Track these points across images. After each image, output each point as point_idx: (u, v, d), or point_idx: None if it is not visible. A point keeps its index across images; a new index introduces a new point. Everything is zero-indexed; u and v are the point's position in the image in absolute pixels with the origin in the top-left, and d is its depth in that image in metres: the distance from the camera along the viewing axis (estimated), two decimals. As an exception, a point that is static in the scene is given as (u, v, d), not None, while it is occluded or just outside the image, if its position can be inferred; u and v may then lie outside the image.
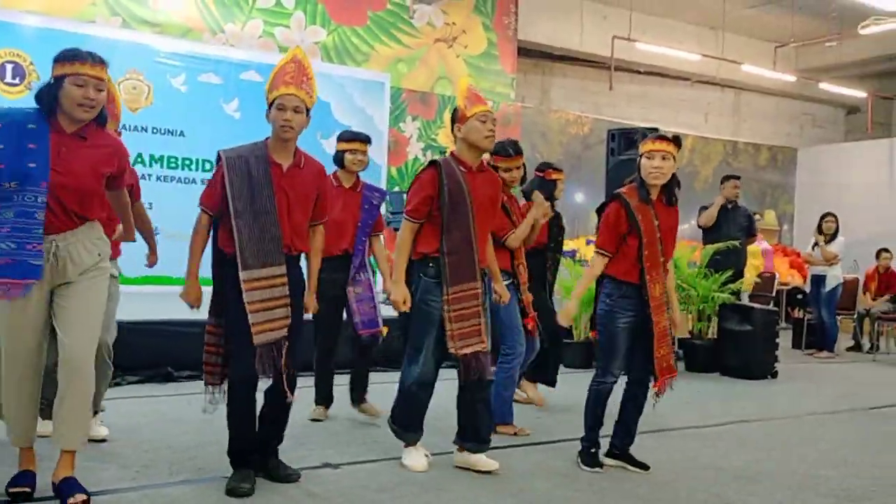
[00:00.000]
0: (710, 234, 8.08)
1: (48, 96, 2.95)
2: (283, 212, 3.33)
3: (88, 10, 8.71)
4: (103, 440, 3.96)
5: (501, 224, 4.36)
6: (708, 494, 3.59)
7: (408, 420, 3.81)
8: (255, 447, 3.42)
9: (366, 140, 4.67)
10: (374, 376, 4.95)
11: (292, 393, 3.40)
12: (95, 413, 4.02)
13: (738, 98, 15.53)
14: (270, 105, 3.33)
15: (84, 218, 3.05)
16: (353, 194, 4.65)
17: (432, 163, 3.77)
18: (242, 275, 3.22)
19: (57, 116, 2.97)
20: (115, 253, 3.95)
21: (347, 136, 4.69)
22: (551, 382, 5.49)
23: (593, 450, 3.88)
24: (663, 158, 3.73)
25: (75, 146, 2.98)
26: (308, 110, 3.38)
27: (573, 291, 4.01)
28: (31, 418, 3.15)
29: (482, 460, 3.76)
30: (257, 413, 3.42)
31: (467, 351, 3.65)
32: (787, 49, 14.28)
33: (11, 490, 3.03)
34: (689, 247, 8.52)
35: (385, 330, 4.76)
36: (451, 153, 3.82)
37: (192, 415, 4.68)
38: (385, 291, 4.87)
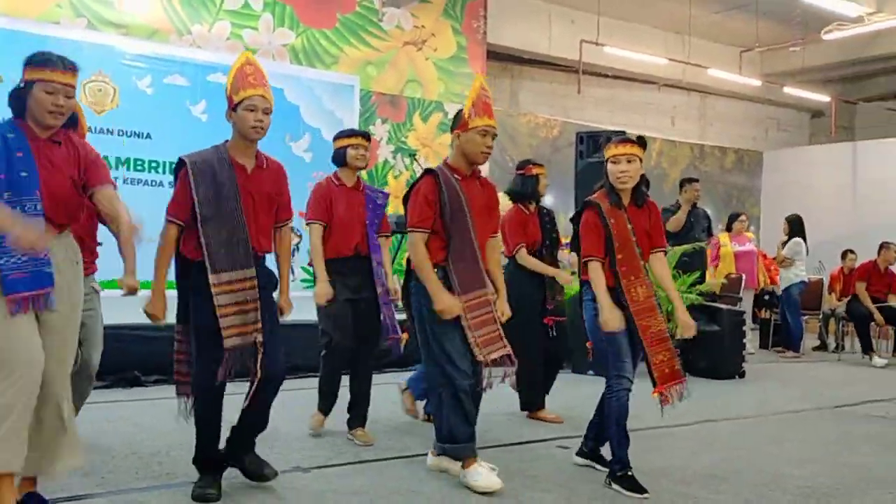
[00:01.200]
0: (676, 236, 8.17)
1: (17, 101, 2.90)
2: (250, 214, 3.30)
3: (53, 11, 8.57)
4: None
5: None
6: (676, 494, 3.62)
7: (467, 431, 3.60)
8: (220, 454, 3.38)
9: (366, 135, 4.56)
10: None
11: (276, 391, 3.34)
12: None
13: (704, 102, 15.71)
14: (235, 106, 3.30)
15: (66, 225, 3.00)
16: (355, 193, 4.49)
17: (428, 171, 3.72)
18: (213, 278, 3.18)
19: (27, 122, 2.91)
20: (92, 268, 3.84)
21: (347, 133, 4.57)
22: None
23: (630, 472, 3.62)
24: (629, 161, 3.71)
25: (53, 152, 2.93)
26: (271, 112, 3.35)
27: (603, 303, 3.64)
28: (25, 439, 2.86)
29: (457, 466, 3.71)
30: (236, 415, 3.39)
31: (495, 356, 3.59)
32: (753, 53, 14.48)
33: None
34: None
35: (405, 337, 4.49)
36: (445, 161, 3.77)
37: (158, 420, 4.63)
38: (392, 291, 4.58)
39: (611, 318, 3.58)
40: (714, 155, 15.40)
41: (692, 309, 7.64)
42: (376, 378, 4.57)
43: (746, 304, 9.30)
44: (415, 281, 3.69)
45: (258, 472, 3.41)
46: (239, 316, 3.21)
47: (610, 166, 3.76)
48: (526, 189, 5.21)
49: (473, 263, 3.64)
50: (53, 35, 8.23)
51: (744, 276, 9.46)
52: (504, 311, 3.84)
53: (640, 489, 3.55)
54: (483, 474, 3.53)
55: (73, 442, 2.96)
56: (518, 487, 3.61)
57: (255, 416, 3.37)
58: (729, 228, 9.91)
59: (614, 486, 3.63)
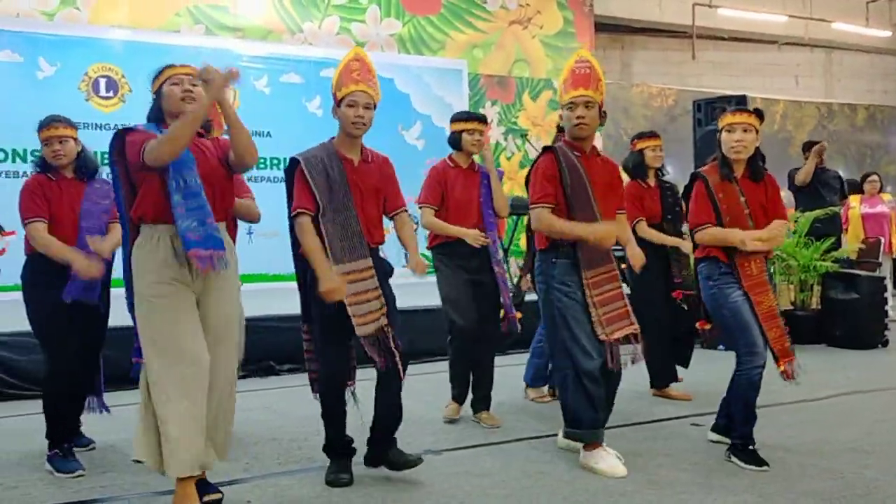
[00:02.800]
0: (806, 199, 7.81)
1: (155, 110, 3.14)
2: (359, 206, 3.37)
3: (173, 20, 8.99)
4: None
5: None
6: (818, 469, 3.48)
7: (593, 416, 3.52)
8: (349, 439, 3.47)
9: (482, 119, 4.51)
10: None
11: (405, 370, 3.37)
12: None
13: (829, 58, 14.87)
14: (339, 102, 3.37)
15: (221, 214, 3.15)
16: (471, 174, 4.47)
17: (547, 148, 3.68)
18: (336, 269, 3.27)
19: (169, 124, 3.06)
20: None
21: (463, 116, 4.52)
22: (684, 362, 5.30)
23: (751, 447, 3.56)
24: (744, 131, 3.58)
25: (202, 143, 3.15)
26: (375, 106, 3.41)
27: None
28: (202, 436, 2.98)
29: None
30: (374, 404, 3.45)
31: (618, 335, 3.53)
32: (881, 3, 13.59)
33: None
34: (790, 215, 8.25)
35: (519, 315, 4.48)
36: (564, 140, 3.72)
37: (294, 407, 4.82)
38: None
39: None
40: (843, 113, 14.57)
41: (828, 277, 7.32)
42: (500, 360, 4.59)
43: (886, 269, 8.79)
44: (541, 259, 3.67)
45: (403, 461, 3.40)
46: (364, 305, 3.29)
47: (724, 135, 3.64)
48: (633, 164, 5.08)
49: None
50: (175, 43, 8.63)
51: (882, 240, 8.94)
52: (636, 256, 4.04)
53: (760, 462, 3.48)
54: (606, 459, 3.49)
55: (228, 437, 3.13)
56: (652, 466, 3.55)
57: (387, 409, 3.40)
58: (861, 190, 9.38)
59: (733, 458, 3.56)
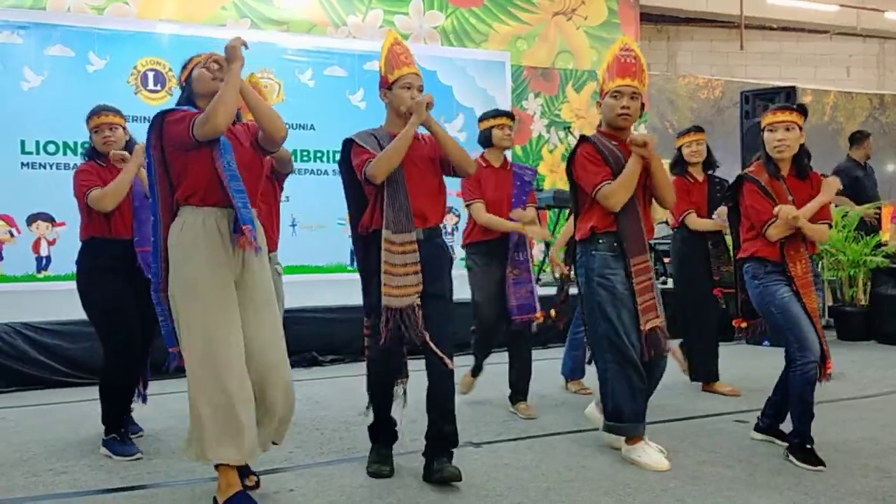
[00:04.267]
0: (853, 194, 7.66)
1: (184, 97, 3.15)
2: (414, 180, 3.34)
3: (219, 14, 9.11)
4: None
5: None
6: (867, 468, 3.41)
7: (634, 409, 3.50)
8: (392, 426, 3.50)
9: (511, 116, 4.57)
10: (500, 356, 4.89)
11: (451, 360, 3.32)
12: None
13: (882, 48, 14.50)
14: (391, 85, 3.38)
15: (251, 197, 3.11)
16: (504, 172, 4.50)
17: (583, 138, 3.65)
18: (384, 234, 3.24)
19: (200, 106, 3.07)
20: (273, 246, 4.06)
21: (493, 113, 4.56)
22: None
23: (808, 445, 3.50)
24: (787, 129, 3.53)
25: (234, 129, 3.15)
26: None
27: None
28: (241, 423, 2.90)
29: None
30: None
31: (650, 326, 3.50)
32: (938, -10, 13.22)
33: None
34: (837, 210, 8.08)
35: (541, 316, 4.51)
36: (599, 129, 3.69)
37: (336, 397, 4.87)
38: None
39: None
40: (896, 104, 14.21)
41: (878, 272, 7.16)
42: (541, 354, 4.60)
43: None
44: (581, 250, 3.65)
45: (438, 474, 3.26)
46: (398, 277, 3.24)
47: (767, 135, 3.60)
48: (673, 161, 5.04)
49: (638, 228, 3.54)
50: (221, 37, 8.70)
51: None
52: None
53: (817, 461, 3.41)
54: (649, 453, 3.47)
55: (273, 420, 3.07)
56: (696, 462, 3.52)
57: (438, 411, 3.33)
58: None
59: (791, 457, 3.50)
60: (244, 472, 3.08)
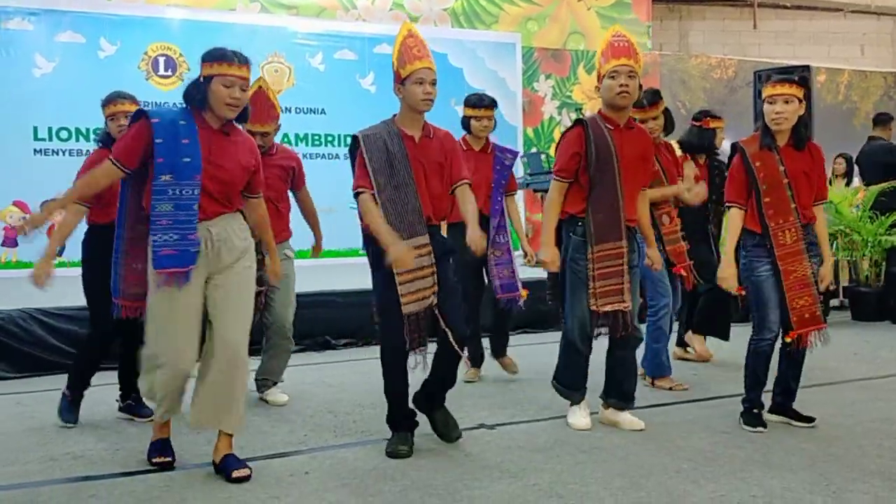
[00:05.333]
0: (871, 172, 7.59)
1: (198, 94, 3.09)
2: (422, 182, 3.38)
3: (229, -2, 9.09)
4: (284, 404, 4.28)
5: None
6: (881, 448, 3.40)
7: (570, 379, 3.82)
8: (411, 412, 3.53)
9: (490, 105, 4.64)
10: (516, 338, 4.97)
11: (462, 349, 3.41)
12: (275, 384, 4.37)
13: (897, 25, 14.33)
14: (403, 80, 3.37)
15: (232, 205, 3.20)
16: (483, 156, 4.66)
17: (578, 121, 3.72)
18: None
19: (203, 113, 3.11)
20: (287, 234, 4.24)
21: (473, 102, 4.66)
22: (723, 336, 5.33)
23: (755, 410, 3.75)
24: (786, 102, 3.58)
25: (222, 141, 3.14)
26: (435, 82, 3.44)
27: (724, 256, 3.80)
28: (180, 398, 3.29)
29: (626, 418, 3.77)
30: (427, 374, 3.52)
31: (607, 309, 3.63)
32: (954, -34, 13.04)
33: (156, 460, 3.27)
34: (850, 189, 8.03)
35: (524, 293, 4.72)
36: (599, 111, 3.75)
37: (350, 381, 4.89)
38: (523, 252, 4.89)
39: (723, 279, 3.72)
40: (912, 83, 14.05)
41: (893, 252, 7.10)
42: (551, 337, 4.59)
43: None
44: (563, 230, 3.74)
45: (444, 433, 3.55)
46: (416, 282, 3.33)
47: (766, 106, 3.66)
48: (702, 142, 5.05)
49: (614, 215, 3.62)
50: (231, 21, 8.74)
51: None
52: (656, 261, 3.99)
53: (758, 423, 3.69)
54: (577, 415, 3.79)
55: (231, 406, 3.17)
56: (709, 443, 3.52)
57: (444, 371, 3.49)
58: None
59: (741, 421, 3.75)
60: (233, 465, 3.12)
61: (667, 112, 4.58)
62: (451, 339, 3.36)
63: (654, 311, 4.50)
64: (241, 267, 3.20)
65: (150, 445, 3.34)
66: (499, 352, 4.89)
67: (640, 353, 4.07)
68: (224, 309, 3.15)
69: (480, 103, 4.64)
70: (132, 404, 4.05)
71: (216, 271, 3.15)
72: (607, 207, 3.62)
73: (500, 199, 4.69)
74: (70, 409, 3.97)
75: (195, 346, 3.16)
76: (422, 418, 3.56)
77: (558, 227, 3.76)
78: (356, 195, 3.37)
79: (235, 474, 3.09)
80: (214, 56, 3.07)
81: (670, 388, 4.50)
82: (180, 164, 3.03)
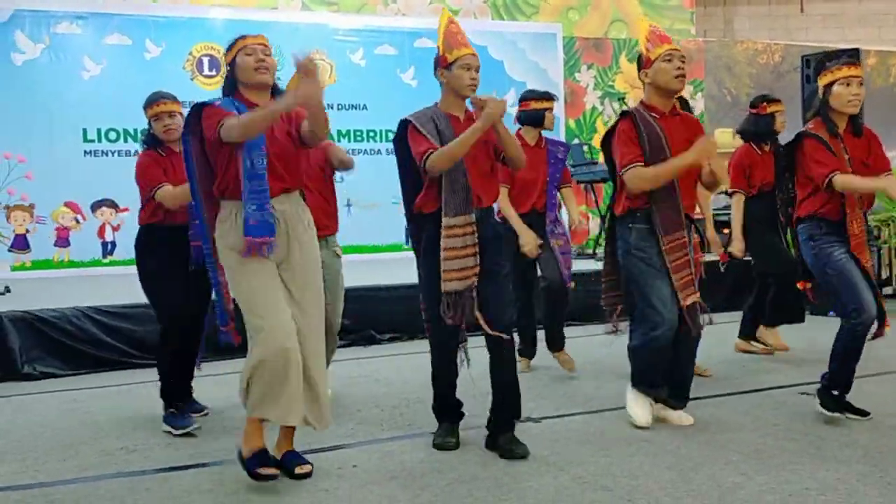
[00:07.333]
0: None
1: (229, 82, 3.19)
2: (469, 160, 3.35)
3: (270, -3, 9.17)
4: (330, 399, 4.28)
5: None
6: (941, 441, 3.32)
7: (653, 377, 3.66)
8: (457, 402, 3.53)
9: (554, 97, 4.78)
10: (569, 331, 4.95)
11: (509, 335, 3.38)
12: None
13: (952, 4, 13.90)
14: (449, 65, 3.37)
15: (292, 184, 3.20)
16: (538, 151, 4.65)
17: (623, 113, 3.65)
18: (444, 221, 3.29)
19: (245, 94, 3.14)
20: (334, 228, 4.19)
21: (541, 95, 4.70)
22: (800, 318, 5.20)
23: (836, 392, 3.59)
24: (861, 84, 3.50)
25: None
26: None
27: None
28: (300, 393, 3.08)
29: (676, 414, 3.71)
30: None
31: (688, 302, 3.55)
32: None
33: (262, 472, 2.99)
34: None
35: (573, 285, 4.79)
36: (641, 102, 3.69)
37: (395, 374, 4.92)
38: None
39: None
40: (967, 63, 13.63)
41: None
42: (597, 329, 4.55)
43: None
44: (619, 224, 3.69)
45: (510, 449, 3.32)
46: (458, 260, 3.29)
47: (840, 89, 3.53)
48: (760, 128, 4.96)
49: (675, 204, 3.56)
50: (272, 19, 8.82)
51: None
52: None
53: (836, 408, 3.56)
54: (641, 404, 3.66)
55: (317, 401, 3.15)
56: (759, 435, 3.47)
57: (500, 376, 3.38)
58: None
59: (817, 399, 3.63)
60: (294, 460, 3.14)
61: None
62: (483, 323, 3.31)
63: None
64: (307, 249, 3.20)
65: (251, 456, 3.02)
66: (555, 345, 4.83)
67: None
68: (300, 299, 3.15)
69: (548, 95, 4.70)
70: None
71: (282, 261, 3.15)
72: (669, 197, 3.55)
73: (554, 192, 4.75)
74: (182, 417, 3.82)
75: (291, 319, 3.06)
76: (466, 407, 3.56)
77: (611, 225, 3.74)
78: (426, 157, 3.26)
79: (298, 470, 3.11)
80: (230, 42, 3.19)
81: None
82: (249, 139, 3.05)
